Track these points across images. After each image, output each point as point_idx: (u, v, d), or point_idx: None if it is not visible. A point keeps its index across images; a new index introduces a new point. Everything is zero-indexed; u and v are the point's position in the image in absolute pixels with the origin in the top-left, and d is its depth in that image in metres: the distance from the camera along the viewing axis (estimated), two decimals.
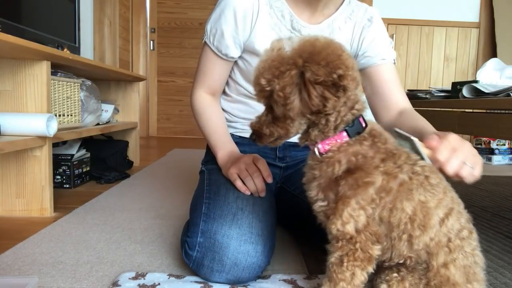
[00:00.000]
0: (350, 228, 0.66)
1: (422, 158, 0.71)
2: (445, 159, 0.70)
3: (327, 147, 0.69)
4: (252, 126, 0.74)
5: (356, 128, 0.69)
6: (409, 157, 0.69)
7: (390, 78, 1.08)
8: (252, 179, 0.95)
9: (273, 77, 0.64)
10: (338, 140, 0.69)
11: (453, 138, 0.73)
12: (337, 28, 1.07)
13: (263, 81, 0.65)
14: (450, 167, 0.70)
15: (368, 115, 0.77)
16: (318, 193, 0.71)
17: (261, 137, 0.72)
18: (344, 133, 0.69)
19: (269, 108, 0.69)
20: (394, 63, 1.10)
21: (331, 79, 0.62)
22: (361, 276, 0.67)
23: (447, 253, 0.66)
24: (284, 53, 0.65)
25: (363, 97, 0.72)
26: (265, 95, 0.67)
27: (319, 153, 0.71)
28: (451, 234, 0.66)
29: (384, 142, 0.69)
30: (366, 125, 0.71)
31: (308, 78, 0.62)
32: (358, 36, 1.09)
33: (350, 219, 0.66)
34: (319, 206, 0.71)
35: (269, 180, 0.97)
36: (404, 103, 1.07)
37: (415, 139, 0.73)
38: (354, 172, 0.66)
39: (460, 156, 0.71)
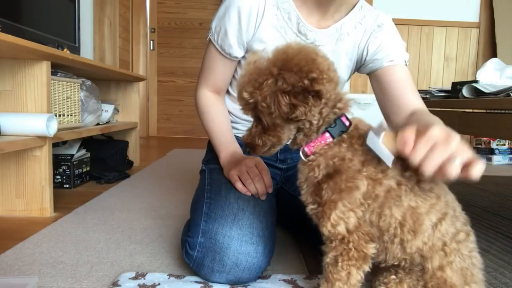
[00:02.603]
0: (341, 229, 0.66)
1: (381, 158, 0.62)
2: (420, 159, 0.58)
3: (312, 149, 0.70)
4: (244, 139, 0.75)
5: (338, 128, 0.69)
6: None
7: (400, 79, 1.02)
8: (253, 183, 0.95)
9: (254, 89, 0.66)
10: (322, 142, 0.69)
11: (437, 132, 0.58)
12: (346, 34, 1.04)
13: (245, 95, 0.67)
14: (427, 166, 0.58)
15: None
16: (307, 197, 0.71)
17: (255, 149, 0.74)
18: (327, 134, 0.69)
19: (258, 119, 0.71)
20: (406, 65, 1.05)
21: (301, 85, 0.63)
22: (357, 275, 0.67)
23: (442, 257, 0.66)
24: (261, 64, 0.67)
25: (347, 96, 0.71)
26: (251, 107, 0.69)
27: (306, 156, 0.71)
28: (445, 238, 0.66)
29: (362, 143, 0.68)
30: (351, 123, 0.70)
31: (278, 86, 0.64)
32: (365, 40, 1.05)
33: (340, 221, 0.66)
34: (310, 209, 0.71)
35: (270, 190, 0.97)
36: (417, 104, 0.99)
37: (370, 134, 0.62)
38: (333, 176, 0.67)
39: (442, 152, 0.57)
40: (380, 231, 0.67)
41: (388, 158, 0.62)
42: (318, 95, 0.64)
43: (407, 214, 0.65)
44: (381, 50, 1.03)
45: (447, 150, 0.57)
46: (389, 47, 1.03)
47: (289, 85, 0.63)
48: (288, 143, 0.75)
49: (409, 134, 0.59)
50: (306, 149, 0.71)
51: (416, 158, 0.58)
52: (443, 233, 0.66)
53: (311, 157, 0.70)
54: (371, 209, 0.66)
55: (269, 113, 0.66)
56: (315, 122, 0.68)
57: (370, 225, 0.67)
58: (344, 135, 0.69)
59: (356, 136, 0.69)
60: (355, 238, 0.66)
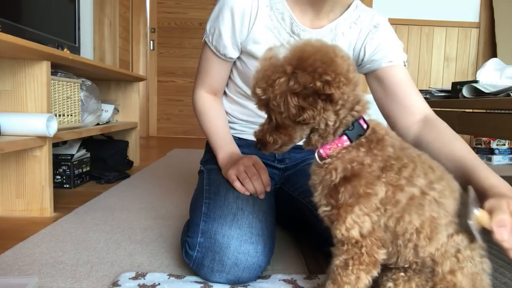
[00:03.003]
0: (354, 233, 0.66)
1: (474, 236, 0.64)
2: (508, 243, 0.63)
3: (328, 152, 0.69)
4: (255, 135, 0.74)
5: (356, 131, 0.68)
6: (415, 169, 0.67)
7: (401, 81, 1.01)
8: (251, 182, 0.95)
9: (267, 86, 0.65)
10: (339, 145, 0.68)
11: None
12: (340, 34, 1.03)
13: (258, 91, 0.66)
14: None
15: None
16: (321, 199, 0.71)
17: (266, 145, 0.72)
18: (345, 137, 0.67)
19: (270, 116, 0.69)
20: (405, 65, 1.03)
21: (312, 86, 0.61)
22: (366, 280, 0.67)
23: (454, 262, 0.66)
24: (277, 61, 0.65)
25: (366, 98, 0.69)
26: (263, 103, 0.67)
27: (321, 158, 0.70)
28: (460, 246, 0.66)
29: (381, 149, 0.67)
30: (368, 126, 0.69)
31: (290, 86, 0.62)
32: (361, 41, 1.04)
33: (354, 225, 0.65)
34: (323, 211, 0.71)
35: (268, 189, 0.97)
36: (423, 107, 0.98)
37: (470, 223, 0.63)
38: (351, 179, 0.66)
39: None
40: (394, 235, 0.67)
41: (480, 234, 0.64)
42: (330, 99, 0.62)
43: (426, 223, 0.65)
44: (379, 51, 1.02)
45: None
46: (387, 48, 1.02)
47: (300, 85, 0.61)
48: (300, 143, 0.74)
49: (506, 217, 0.62)
50: (321, 151, 0.69)
51: (503, 238, 0.62)
52: (458, 242, 0.66)
53: (328, 160, 0.69)
54: (389, 214, 0.66)
55: (279, 112, 0.64)
56: (331, 123, 0.66)
57: (385, 229, 0.67)
58: (362, 139, 0.68)
59: (374, 140, 0.68)
60: (368, 243, 0.66)
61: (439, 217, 0.65)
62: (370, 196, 0.65)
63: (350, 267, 0.67)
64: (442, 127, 0.93)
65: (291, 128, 0.68)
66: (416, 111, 0.97)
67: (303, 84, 0.61)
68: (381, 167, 0.66)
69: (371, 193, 0.65)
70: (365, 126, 0.68)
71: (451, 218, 0.66)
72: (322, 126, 0.67)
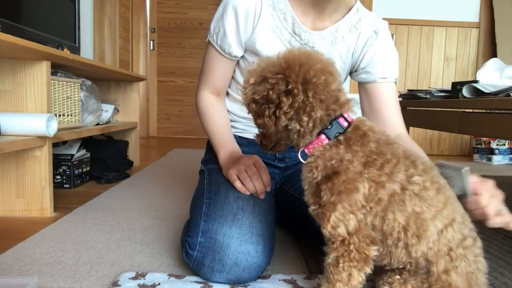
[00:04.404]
0: (341, 231, 0.66)
1: (465, 192, 0.78)
2: (487, 202, 0.77)
3: (311, 151, 0.71)
4: (255, 137, 0.82)
5: (335, 130, 0.69)
6: (397, 165, 0.66)
7: (390, 100, 1.07)
8: (251, 181, 0.95)
9: (245, 97, 0.72)
10: (319, 144, 0.70)
11: (492, 185, 0.80)
12: (340, 37, 1.04)
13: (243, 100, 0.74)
14: (491, 209, 0.76)
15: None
16: (309, 198, 0.72)
17: (261, 146, 0.80)
18: (323, 136, 0.69)
19: None
20: (396, 82, 1.08)
21: (265, 95, 0.67)
22: (359, 277, 0.67)
23: (448, 261, 0.66)
24: (251, 74, 0.73)
25: (346, 96, 0.70)
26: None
27: (306, 157, 0.72)
28: (451, 244, 0.66)
29: (362, 144, 0.67)
30: (350, 124, 0.70)
31: (252, 96, 0.70)
32: (361, 47, 1.06)
33: (339, 223, 0.66)
34: (312, 209, 0.72)
35: (268, 189, 0.97)
36: (401, 127, 1.07)
37: (466, 169, 0.78)
38: (332, 177, 0.67)
39: (498, 202, 0.78)
40: (383, 235, 0.67)
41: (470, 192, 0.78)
42: (279, 107, 0.67)
43: (411, 219, 0.65)
44: (376, 62, 1.05)
45: (500, 201, 0.78)
46: (383, 62, 1.05)
47: (257, 94, 0.68)
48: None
49: (480, 181, 0.79)
50: (305, 150, 0.71)
51: (484, 200, 0.76)
52: (449, 239, 0.66)
53: (310, 159, 0.71)
54: (374, 213, 0.66)
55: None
56: (304, 123, 0.69)
57: (373, 228, 0.67)
58: (341, 137, 0.69)
59: (353, 137, 0.68)
60: (356, 240, 0.66)
61: (423, 212, 0.65)
62: (351, 192, 0.65)
63: (341, 265, 0.67)
64: (409, 142, 1.02)
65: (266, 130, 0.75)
66: (394, 131, 1.04)
67: (260, 94, 0.67)
68: (363, 163, 0.66)
69: (352, 188, 0.65)
70: (345, 124, 0.69)
71: (437, 210, 0.66)
72: (297, 127, 0.70)
